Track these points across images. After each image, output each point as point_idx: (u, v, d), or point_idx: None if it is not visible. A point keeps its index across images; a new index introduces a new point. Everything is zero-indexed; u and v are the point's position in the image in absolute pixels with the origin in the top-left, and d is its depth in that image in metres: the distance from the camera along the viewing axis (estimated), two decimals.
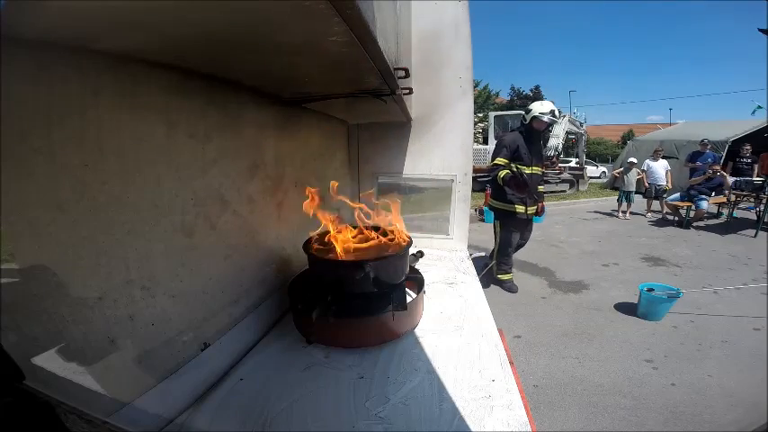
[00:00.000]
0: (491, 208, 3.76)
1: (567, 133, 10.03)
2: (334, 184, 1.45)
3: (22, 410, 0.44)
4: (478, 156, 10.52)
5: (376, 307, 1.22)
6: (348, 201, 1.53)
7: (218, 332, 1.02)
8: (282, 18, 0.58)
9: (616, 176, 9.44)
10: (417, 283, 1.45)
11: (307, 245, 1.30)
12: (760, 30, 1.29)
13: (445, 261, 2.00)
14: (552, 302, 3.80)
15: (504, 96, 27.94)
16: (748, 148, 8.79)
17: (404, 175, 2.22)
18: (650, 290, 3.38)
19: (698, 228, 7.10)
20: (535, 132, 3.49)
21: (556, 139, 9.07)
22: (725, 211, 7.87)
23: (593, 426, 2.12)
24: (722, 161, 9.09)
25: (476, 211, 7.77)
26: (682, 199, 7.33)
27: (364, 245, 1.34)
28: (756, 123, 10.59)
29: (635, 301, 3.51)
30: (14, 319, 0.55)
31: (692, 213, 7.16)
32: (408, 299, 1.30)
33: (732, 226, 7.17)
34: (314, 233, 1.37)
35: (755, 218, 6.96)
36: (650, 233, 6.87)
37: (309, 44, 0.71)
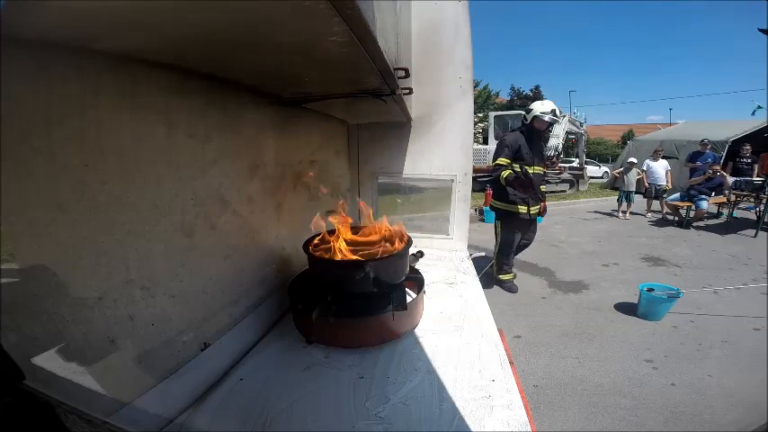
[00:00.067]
0: (493, 208, 3.76)
1: (567, 133, 10.02)
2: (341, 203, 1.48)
3: (22, 410, 0.44)
4: (478, 156, 10.51)
5: (376, 307, 1.22)
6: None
7: (218, 332, 1.02)
8: (282, 18, 0.58)
9: (616, 176, 9.44)
10: (417, 283, 1.45)
11: (307, 245, 1.30)
12: (760, 30, 1.29)
13: (445, 261, 2.00)
14: (552, 302, 3.80)
15: (504, 96, 27.97)
16: (748, 148, 8.78)
17: (404, 175, 2.22)
18: (650, 290, 3.38)
19: (698, 228, 7.10)
20: (536, 132, 3.49)
21: (556, 139, 9.07)
22: (725, 211, 7.87)
23: (593, 426, 2.12)
24: (722, 161, 9.08)
25: (476, 211, 7.78)
26: (682, 199, 7.33)
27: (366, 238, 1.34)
28: (756, 123, 10.59)
29: (635, 301, 3.51)
30: (14, 319, 0.55)
31: (692, 213, 7.16)
32: (408, 299, 1.30)
33: (732, 226, 7.17)
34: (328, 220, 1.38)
35: (755, 218, 6.96)
36: (650, 233, 6.87)
37: (309, 44, 0.71)
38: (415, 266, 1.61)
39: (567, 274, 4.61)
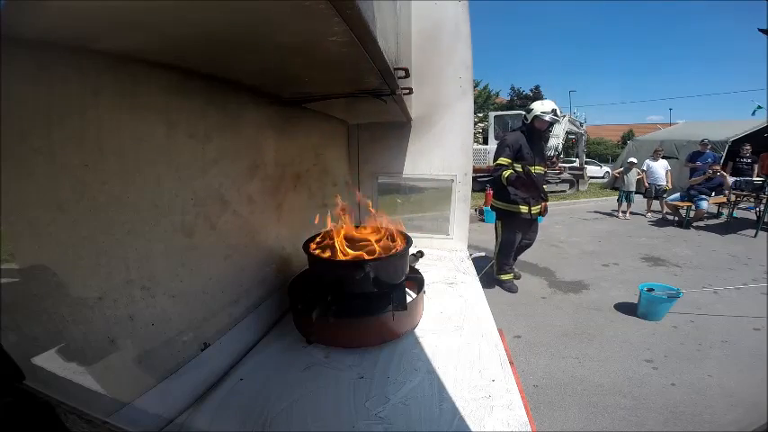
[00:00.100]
0: (494, 208, 3.75)
1: (567, 133, 10.02)
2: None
3: (22, 410, 0.44)
4: (478, 156, 10.51)
5: (376, 307, 1.22)
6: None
7: (218, 332, 1.02)
8: (282, 18, 0.58)
9: (616, 176, 9.44)
10: (417, 283, 1.45)
11: (306, 245, 1.30)
12: (760, 30, 1.29)
13: (445, 261, 2.00)
14: (552, 302, 3.80)
15: (504, 96, 27.93)
16: (748, 148, 8.78)
17: (404, 175, 2.22)
18: (650, 290, 3.38)
19: (698, 228, 7.10)
20: (537, 132, 3.49)
21: (556, 139, 9.06)
22: (725, 211, 7.87)
23: (593, 426, 2.12)
24: (722, 161, 9.08)
25: (476, 211, 7.78)
26: (682, 199, 7.33)
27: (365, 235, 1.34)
28: (756, 123, 10.58)
29: (635, 301, 3.51)
30: (14, 319, 0.55)
31: (692, 213, 7.16)
32: (408, 299, 1.30)
33: (732, 226, 7.16)
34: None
35: (755, 218, 6.96)
36: (650, 233, 6.87)
37: (309, 44, 0.71)
38: (415, 266, 1.61)
39: (567, 274, 4.61)
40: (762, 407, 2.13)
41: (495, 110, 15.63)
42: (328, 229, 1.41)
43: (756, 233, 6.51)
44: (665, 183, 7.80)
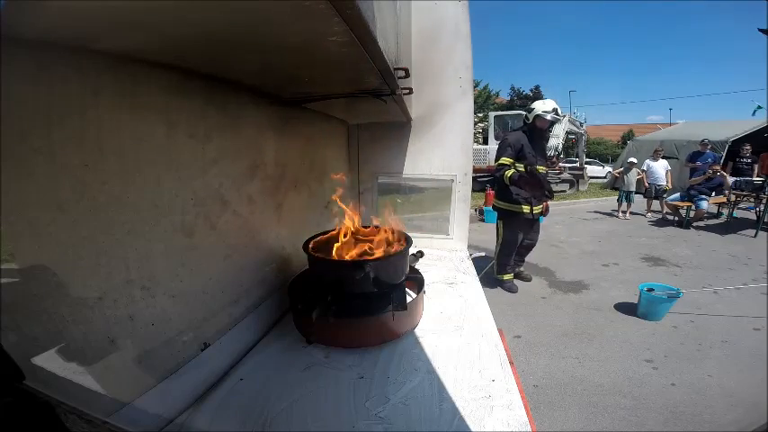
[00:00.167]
0: (495, 208, 3.75)
1: (567, 133, 10.01)
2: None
3: (22, 410, 0.44)
4: (478, 156, 10.51)
5: (376, 307, 1.22)
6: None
7: (218, 332, 1.02)
8: (282, 18, 0.58)
9: (616, 176, 9.44)
10: (417, 283, 1.45)
11: (306, 245, 1.30)
12: (760, 30, 1.29)
13: (445, 261, 2.00)
14: (552, 302, 3.80)
15: (504, 96, 27.91)
16: (748, 148, 8.78)
17: (404, 175, 2.22)
18: (650, 290, 3.38)
19: (698, 228, 7.10)
20: (538, 131, 3.49)
21: (556, 139, 9.06)
22: (725, 211, 7.87)
23: (593, 426, 2.12)
24: (722, 161, 9.08)
25: (476, 211, 7.78)
26: (682, 199, 7.33)
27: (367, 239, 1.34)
28: (756, 123, 10.59)
29: (635, 301, 3.51)
30: (14, 319, 0.55)
31: (692, 213, 7.16)
32: (408, 299, 1.30)
33: (732, 226, 7.16)
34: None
35: (755, 218, 6.96)
36: (650, 233, 6.86)
37: (309, 44, 0.71)
38: (415, 266, 1.61)
39: (567, 274, 4.61)
40: (762, 407, 2.13)
41: (495, 110, 15.62)
42: (330, 228, 1.41)
43: (756, 233, 6.51)
44: (665, 183, 7.80)
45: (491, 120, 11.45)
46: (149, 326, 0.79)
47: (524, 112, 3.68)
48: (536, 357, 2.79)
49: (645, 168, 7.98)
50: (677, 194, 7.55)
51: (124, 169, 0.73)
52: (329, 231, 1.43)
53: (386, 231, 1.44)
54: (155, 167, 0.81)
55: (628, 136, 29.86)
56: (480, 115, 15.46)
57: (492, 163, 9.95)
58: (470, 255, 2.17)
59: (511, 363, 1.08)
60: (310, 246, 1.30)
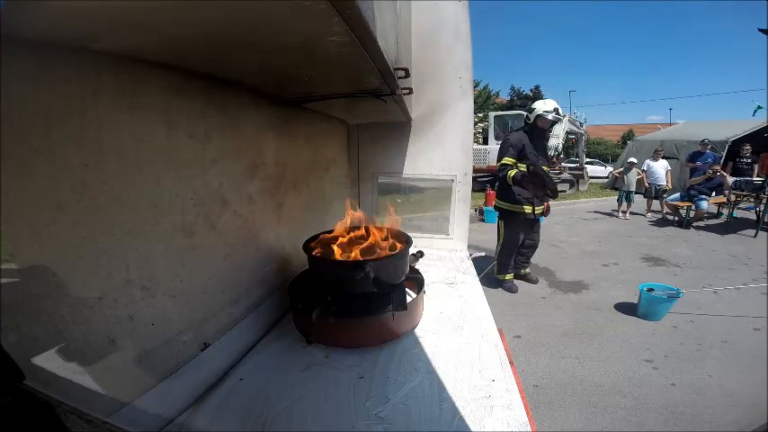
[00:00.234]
0: (497, 208, 3.76)
1: (568, 133, 10.01)
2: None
3: (22, 410, 0.44)
4: (478, 156, 10.51)
5: (376, 307, 1.22)
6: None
7: (218, 332, 1.02)
8: (282, 18, 0.58)
9: (616, 176, 9.44)
10: (417, 283, 1.45)
11: (307, 245, 1.30)
12: (760, 30, 1.29)
13: (445, 261, 2.00)
14: (552, 302, 3.80)
15: (504, 96, 27.87)
16: (748, 148, 8.78)
17: (404, 175, 2.22)
18: (650, 290, 3.38)
19: (698, 228, 7.10)
20: (539, 131, 3.49)
21: (556, 139, 9.05)
22: (725, 211, 7.87)
23: (593, 426, 2.12)
24: (722, 161, 9.08)
25: (476, 211, 7.78)
26: (682, 199, 7.33)
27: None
28: (756, 123, 10.59)
29: (635, 301, 3.51)
30: (14, 319, 0.55)
31: (692, 213, 7.16)
32: (408, 299, 1.30)
33: (732, 226, 7.16)
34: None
35: (755, 218, 6.96)
36: (650, 233, 6.87)
37: (309, 44, 0.71)
38: (415, 266, 1.61)
39: (567, 274, 4.61)
40: (762, 407, 2.13)
41: (495, 110, 15.60)
42: (330, 228, 1.41)
43: (756, 233, 6.51)
44: (665, 183, 7.80)
45: (491, 120, 11.45)
46: (149, 326, 0.79)
47: (525, 113, 3.68)
48: (536, 357, 2.79)
49: (645, 168, 7.98)
50: (677, 194, 7.56)
51: (124, 169, 0.73)
52: (329, 231, 1.43)
53: (386, 231, 1.44)
54: (155, 167, 0.81)
55: (628, 136, 29.87)
56: (480, 115, 15.45)
57: (492, 163, 9.99)
58: (470, 255, 2.17)
59: (511, 363, 1.08)
60: (310, 246, 1.30)
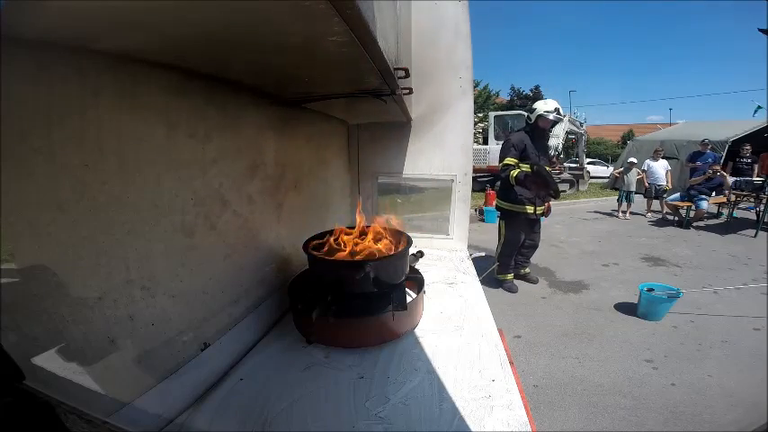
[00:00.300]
0: (498, 208, 3.76)
1: (568, 133, 10.02)
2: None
3: (22, 410, 0.44)
4: (478, 156, 10.50)
5: (376, 307, 1.22)
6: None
7: (218, 332, 1.02)
8: (282, 18, 0.58)
9: (616, 176, 9.44)
10: (417, 283, 1.45)
11: (306, 244, 1.30)
12: (760, 30, 1.29)
13: (445, 261, 2.00)
14: (552, 302, 3.80)
15: (504, 96, 27.84)
16: (748, 148, 8.79)
17: (404, 175, 2.22)
18: (650, 290, 3.38)
19: (698, 228, 7.10)
20: (541, 131, 3.50)
21: (556, 139, 9.06)
22: (725, 211, 7.87)
23: (593, 426, 2.12)
24: (722, 161, 9.08)
25: (476, 211, 7.78)
26: (682, 199, 7.33)
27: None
28: (756, 123, 10.59)
29: (635, 301, 3.51)
30: (14, 319, 0.55)
31: (692, 213, 7.16)
32: (408, 299, 1.30)
33: (732, 226, 7.17)
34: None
35: (755, 218, 6.97)
36: (650, 233, 6.87)
37: (309, 44, 0.71)
38: (415, 266, 1.61)
39: (567, 274, 4.61)
40: (762, 407, 2.13)
41: (495, 110, 15.60)
42: (330, 229, 1.41)
43: (756, 233, 6.51)
44: (665, 183, 7.81)
45: (491, 120, 11.45)
46: (149, 326, 0.79)
47: (525, 113, 3.69)
48: (536, 357, 2.79)
49: (645, 168, 7.98)
50: (677, 194, 7.56)
51: (124, 169, 0.73)
52: (329, 231, 1.43)
53: (385, 231, 1.44)
54: (155, 167, 0.81)
55: (628, 136, 29.83)
56: (480, 115, 15.44)
57: (492, 163, 9.98)
58: (470, 255, 2.17)
59: (511, 363, 1.08)
60: (310, 246, 1.30)
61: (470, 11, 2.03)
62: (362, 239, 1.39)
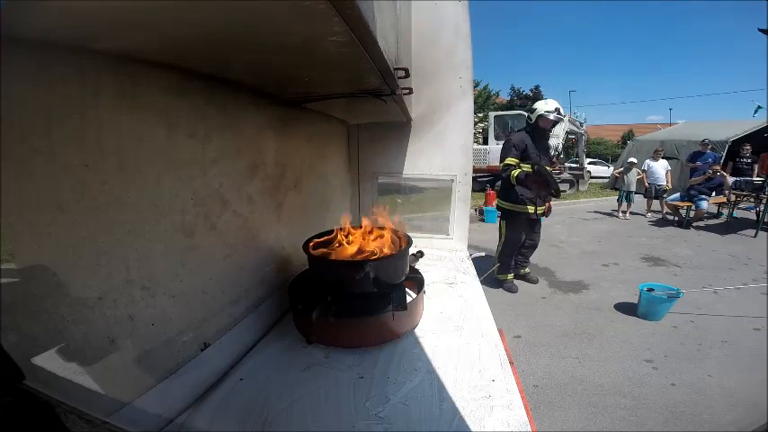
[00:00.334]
0: (498, 208, 3.76)
1: (568, 133, 10.02)
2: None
3: (22, 410, 0.44)
4: (478, 156, 10.50)
5: (376, 307, 1.22)
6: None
7: (218, 332, 1.02)
8: (282, 18, 0.58)
9: (616, 176, 9.44)
10: (417, 283, 1.45)
11: (306, 245, 1.30)
12: (760, 30, 1.29)
13: (445, 261, 2.00)
14: (552, 302, 3.80)
15: (504, 96, 27.82)
16: (748, 148, 8.78)
17: (404, 175, 2.22)
18: (650, 290, 3.38)
19: (698, 228, 7.10)
20: (541, 131, 3.50)
21: (556, 139, 9.06)
22: (725, 211, 7.87)
23: (593, 426, 2.12)
24: (722, 161, 9.08)
25: (476, 211, 7.78)
26: (682, 199, 7.33)
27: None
28: (756, 123, 10.59)
29: (635, 301, 3.51)
30: (14, 319, 0.55)
31: (692, 213, 7.16)
32: (408, 299, 1.30)
33: (732, 226, 7.17)
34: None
35: (755, 218, 6.96)
36: (650, 233, 6.87)
37: (309, 44, 0.71)
38: (415, 266, 1.61)
39: (567, 274, 4.61)
40: (762, 407, 2.13)
41: (495, 110, 15.59)
42: (330, 228, 1.41)
43: (756, 233, 6.51)
44: (665, 183, 7.81)
45: (491, 120, 11.44)
46: (149, 326, 0.79)
47: (525, 113, 3.69)
48: (536, 357, 2.79)
49: (645, 168, 7.98)
50: (677, 194, 7.56)
51: (124, 169, 0.73)
52: (329, 231, 1.43)
53: (385, 232, 1.44)
54: (155, 167, 0.81)
55: (628, 136, 29.82)
56: (480, 115, 15.44)
57: (492, 163, 9.98)
58: (470, 255, 2.17)
59: (511, 363, 1.08)
60: (310, 246, 1.30)
61: (470, 11, 2.03)
62: (368, 238, 1.39)
